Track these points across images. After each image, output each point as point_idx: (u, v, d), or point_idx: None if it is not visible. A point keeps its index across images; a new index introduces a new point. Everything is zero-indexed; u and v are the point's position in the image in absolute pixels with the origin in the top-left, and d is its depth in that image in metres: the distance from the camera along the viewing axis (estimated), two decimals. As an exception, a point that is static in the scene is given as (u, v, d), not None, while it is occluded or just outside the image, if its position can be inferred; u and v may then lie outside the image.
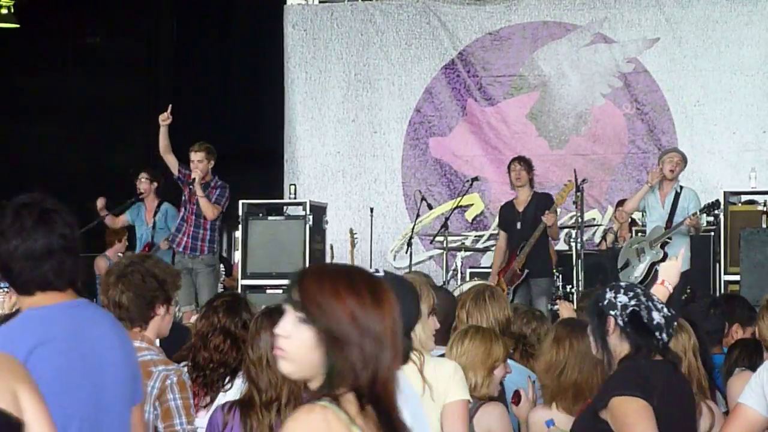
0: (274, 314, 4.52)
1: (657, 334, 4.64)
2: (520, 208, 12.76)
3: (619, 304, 4.67)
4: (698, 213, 11.53)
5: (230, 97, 18.58)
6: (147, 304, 4.70)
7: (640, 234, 12.98)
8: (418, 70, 16.91)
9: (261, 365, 4.45)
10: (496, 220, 15.62)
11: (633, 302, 4.68)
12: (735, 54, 15.81)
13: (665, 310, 4.71)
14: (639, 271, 11.96)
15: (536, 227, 12.48)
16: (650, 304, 4.69)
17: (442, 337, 5.83)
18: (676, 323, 4.81)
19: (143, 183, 13.64)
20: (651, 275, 11.66)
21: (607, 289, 4.79)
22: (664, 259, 11.55)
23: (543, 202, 12.75)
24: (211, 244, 12.83)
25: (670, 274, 5.58)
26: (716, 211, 11.93)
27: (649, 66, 16.09)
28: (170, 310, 4.82)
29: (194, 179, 12.55)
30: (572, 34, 16.36)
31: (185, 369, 5.13)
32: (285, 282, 11.43)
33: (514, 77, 16.56)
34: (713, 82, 15.86)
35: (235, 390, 5.37)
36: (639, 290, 4.77)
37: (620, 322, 4.66)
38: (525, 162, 12.85)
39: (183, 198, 12.98)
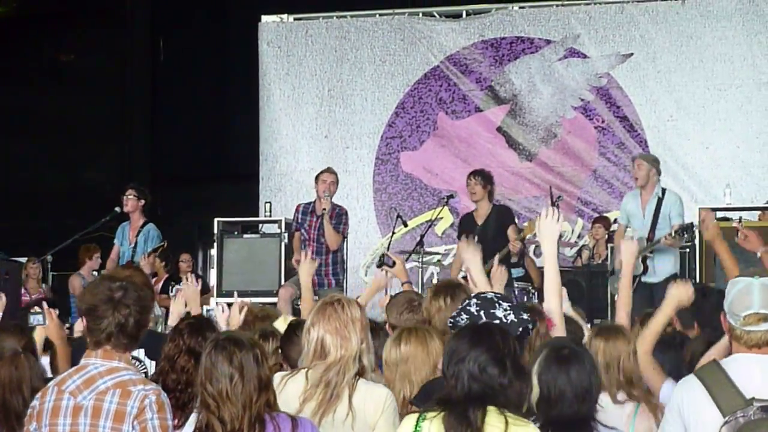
0: (228, 345, 4.50)
1: None
2: (480, 221, 12.29)
3: None
4: (673, 234, 11.30)
5: (205, 114, 18.55)
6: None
7: None
8: (391, 85, 16.94)
9: (222, 398, 4.41)
10: (461, 231, 15.70)
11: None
12: (708, 69, 15.87)
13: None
14: None
15: (497, 240, 11.96)
16: (471, 319, 4.70)
17: None
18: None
19: (130, 200, 12.95)
20: (635, 286, 11.53)
21: None
22: (645, 273, 11.58)
23: (503, 215, 12.36)
24: (336, 277, 12.54)
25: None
26: (689, 234, 11.71)
27: (621, 81, 16.16)
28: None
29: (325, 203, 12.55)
30: (545, 50, 16.41)
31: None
32: (261, 300, 11.46)
33: (486, 90, 16.60)
34: (686, 97, 15.93)
35: None
36: (475, 300, 4.79)
37: None
38: (481, 176, 12.38)
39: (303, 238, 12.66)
